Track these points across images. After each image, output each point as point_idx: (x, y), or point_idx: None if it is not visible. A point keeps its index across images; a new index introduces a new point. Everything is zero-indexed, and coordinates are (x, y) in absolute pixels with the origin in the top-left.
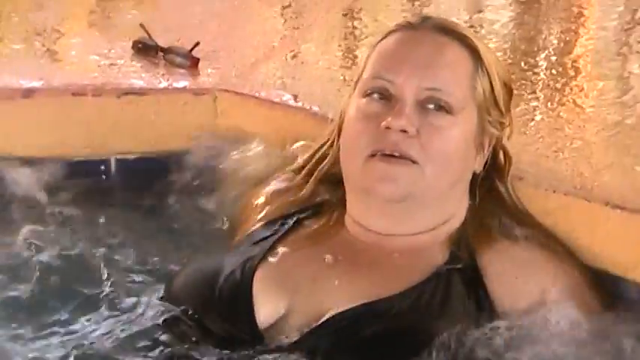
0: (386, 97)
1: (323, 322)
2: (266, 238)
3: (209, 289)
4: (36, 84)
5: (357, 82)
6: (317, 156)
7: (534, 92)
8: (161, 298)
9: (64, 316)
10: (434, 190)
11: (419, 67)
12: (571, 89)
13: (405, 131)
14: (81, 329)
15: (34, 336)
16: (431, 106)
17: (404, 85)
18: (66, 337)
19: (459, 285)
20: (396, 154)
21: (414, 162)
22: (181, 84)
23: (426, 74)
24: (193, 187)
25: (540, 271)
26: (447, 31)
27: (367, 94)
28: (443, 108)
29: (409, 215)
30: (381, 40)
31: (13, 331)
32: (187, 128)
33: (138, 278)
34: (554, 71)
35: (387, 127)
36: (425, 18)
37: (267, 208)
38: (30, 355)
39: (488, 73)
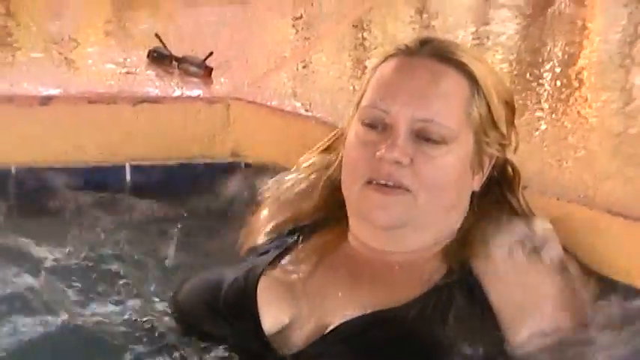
0: (381, 125)
1: (330, 332)
2: (270, 250)
3: (213, 297)
4: (53, 92)
5: (358, 104)
6: (321, 170)
7: (539, 102)
8: (168, 307)
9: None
10: (428, 216)
11: (413, 97)
12: (575, 100)
13: (399, 162)
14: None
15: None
16: (424, 136)
17: (398, 116)
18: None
19: (459, 296)
20: (390, 183)
21: (407, 190)
22: (195, 92)
23: (420, 105)
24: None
25: (537, 279)
26: (443, 57)
27: (364, 123)
28: (436, 137)
29: (405, 237)
30: (381, 63)
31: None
32: (201, 136)
33: (148, 286)
34: (558, 82)
35: (381, 158)
36: (424, 42)
37: (272, 221)
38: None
39: (485, 96)
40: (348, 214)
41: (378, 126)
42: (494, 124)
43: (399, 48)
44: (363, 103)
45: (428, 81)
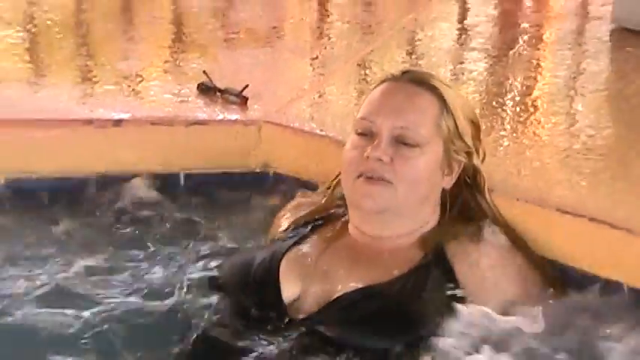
0: (370, 134)
1: (329, 303)
2: (290, 238)
3: (245, 273)
4: (124, 116)
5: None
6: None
7: (503, 124)
8: (209, 281)
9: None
10: (405, 204)
11: (393, 111)
12: (531, 122)
13: (380, 159)
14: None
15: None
16: (402, 141)
17: (382, 125)
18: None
19: (435, 276)
20: (375, 176)
21: (388, 182)
22: (234, 117)
23: (398, 116)
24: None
25: (502, 265)
26: (420, 82)
27: (357, 132)
28: (411, 142)
29: (388, 223)
30: (374, 88)
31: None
32: (239, 150)
33: (191, 270)
34: (518, 108)
35: (368, 157)
36: (405, 71)
37: (293, 216)
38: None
39: (452, 114)
40: (348, 206)
41: (367, 134)
42: (460, 137)
43: (386, 76)
44: (357, 116)
45: (405, 99)
